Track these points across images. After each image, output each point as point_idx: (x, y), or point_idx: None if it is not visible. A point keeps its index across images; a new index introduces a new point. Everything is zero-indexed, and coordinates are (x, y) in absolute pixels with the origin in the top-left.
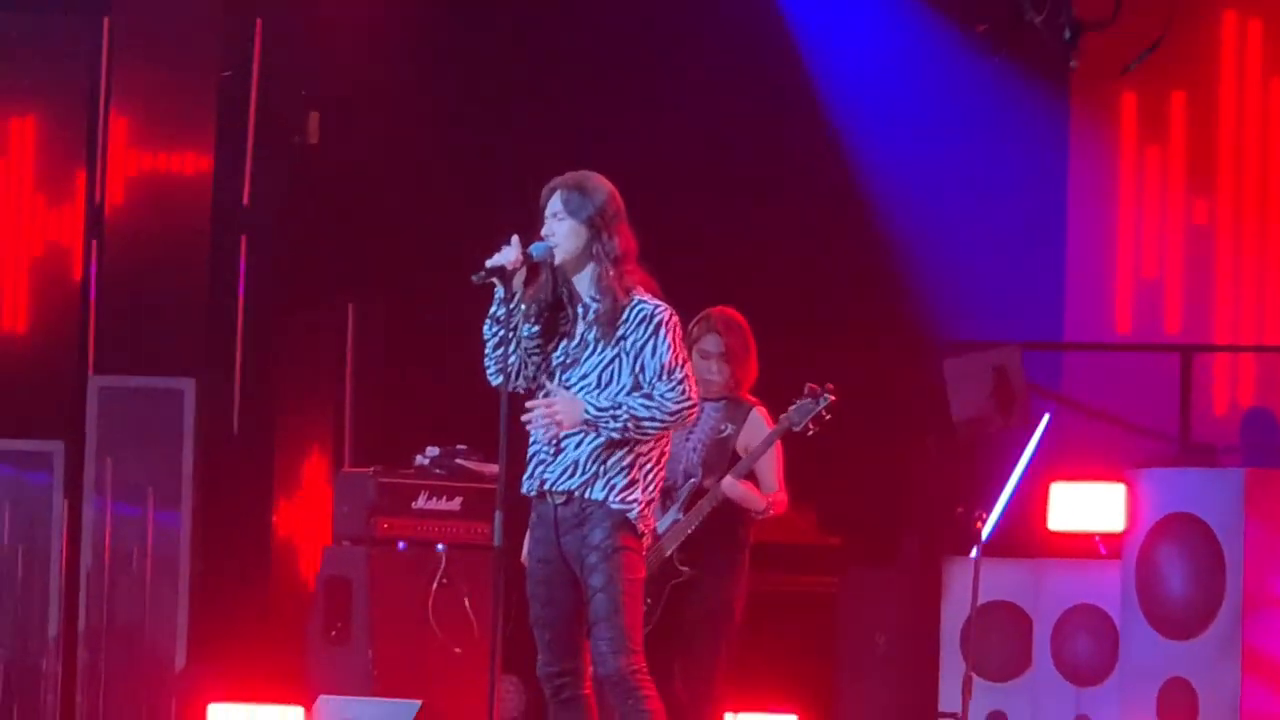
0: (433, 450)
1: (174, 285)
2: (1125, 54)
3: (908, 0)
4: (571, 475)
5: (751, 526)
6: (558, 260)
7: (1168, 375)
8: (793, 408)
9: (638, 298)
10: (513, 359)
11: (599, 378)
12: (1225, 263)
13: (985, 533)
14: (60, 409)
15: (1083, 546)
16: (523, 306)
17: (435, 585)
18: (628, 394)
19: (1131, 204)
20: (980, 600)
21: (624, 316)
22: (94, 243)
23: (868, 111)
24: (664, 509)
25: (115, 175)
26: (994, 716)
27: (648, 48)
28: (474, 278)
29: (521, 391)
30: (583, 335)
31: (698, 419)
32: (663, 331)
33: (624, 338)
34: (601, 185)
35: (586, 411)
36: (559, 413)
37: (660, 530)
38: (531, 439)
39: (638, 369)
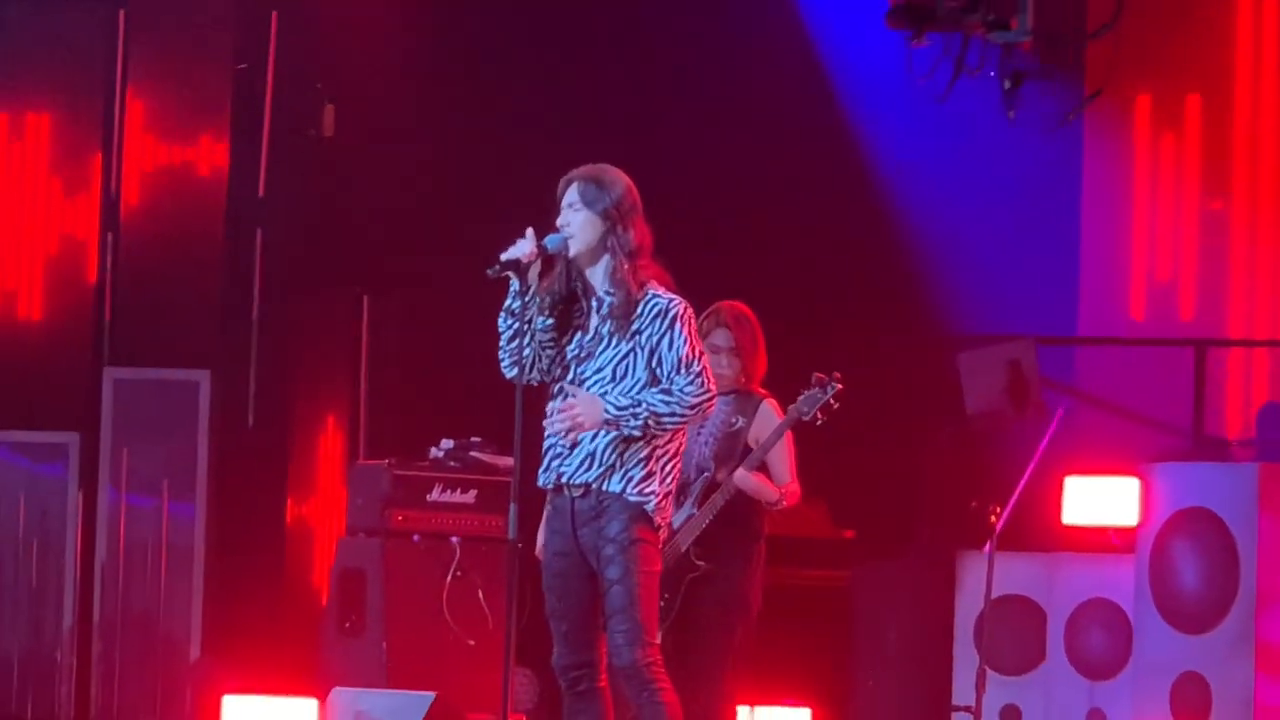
0: (447, 443)
1: (189, 277)
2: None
3: None
4: (589, 468)
5: (766, 519)
6: (573, 252)
7: (1182, 369)
8: (801, 398)
9: (652, 291)
10: (527, 352)
11: (614, 371)
12: (1239, 257)
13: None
14: (75, 401)
15: (1096, 540)
16: (537, 299)
17: (449, 577)
18: (644, 388)
19: (1145, 198)
20: (994, 594)
21: (638, 310)
22: (109, 235)
23: (883, 107)
24: (678, 505)
25: (131, 168)
26: (1007, 710)
27: (662, 44)
28: (489, 270)
29: (535, 384)
30: (596, 329)
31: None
32: (678, 325)
33: (639, 331)
34: (618, 178)
35: (606, 411)
36: (580, 414)
37: (675, 526)
38: (547, 432)
39: (654, 363)
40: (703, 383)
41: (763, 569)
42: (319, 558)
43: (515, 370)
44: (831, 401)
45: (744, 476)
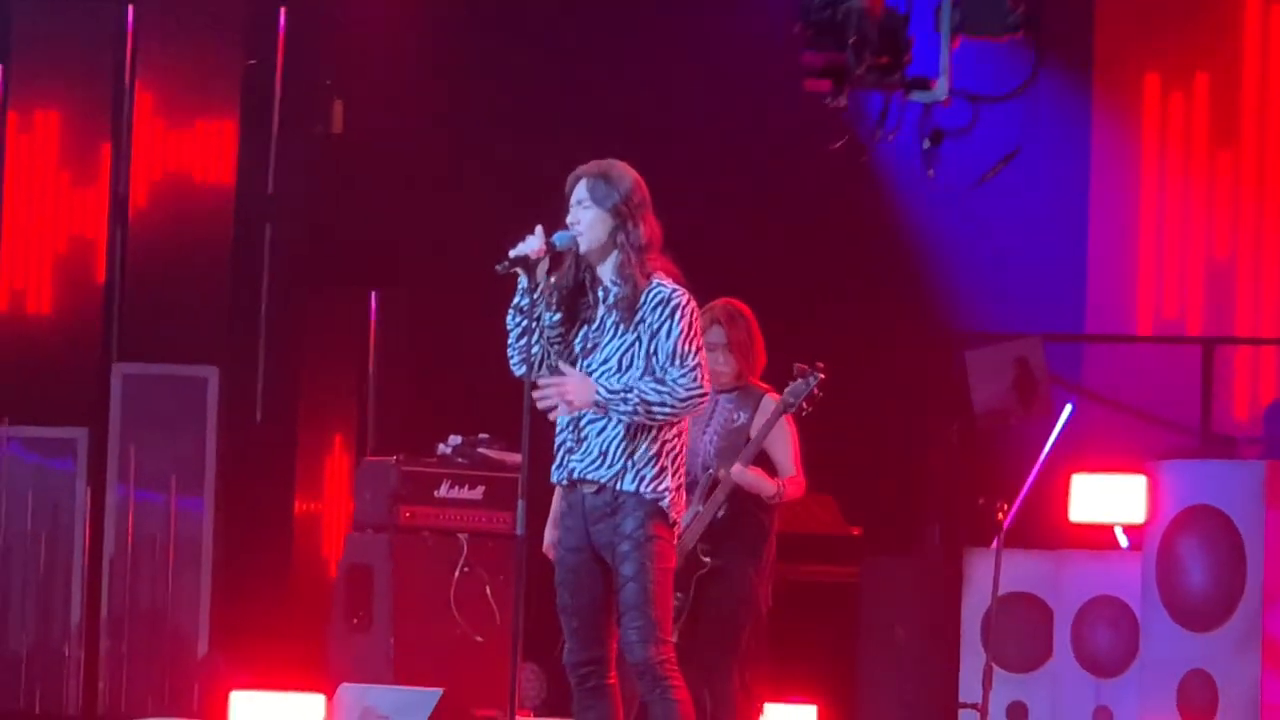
0: (455, 439)
1: (198, 274)
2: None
3: None
4: (600, 466)
5: (774, 516)
6: (583, 249)
7: (1189, 367)
8: (787, 389)
9: (657, 281)
10: (535, 349)
11: (619, 362)
12: (1247, 255)
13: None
14: (84, 396)
15: (1103, 538)
16: (545, 295)
17: (457, 573)
18: (641, 376)
19: (1153, 197)
20: (1001, 591)
21: (642, 300)
22: (118, 232)
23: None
24: (685, 503)
25: (139, 165)
26: (1014, 707)
27: (669, 41)
28: (498, 267)
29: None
30: (603, 319)
31: (712, 410)
32: (678, 315)
33: (642, 320)
34: (627, 173)
35: (597, 393)
36: (569, 392)
37: (685, 527)
38: (557, 428)
39: (651, 350)
40: (696, 377)
41: (772, 566)
42: (327, 553)
43: (525, 368)
44: (816, 391)
45: (740, 471)
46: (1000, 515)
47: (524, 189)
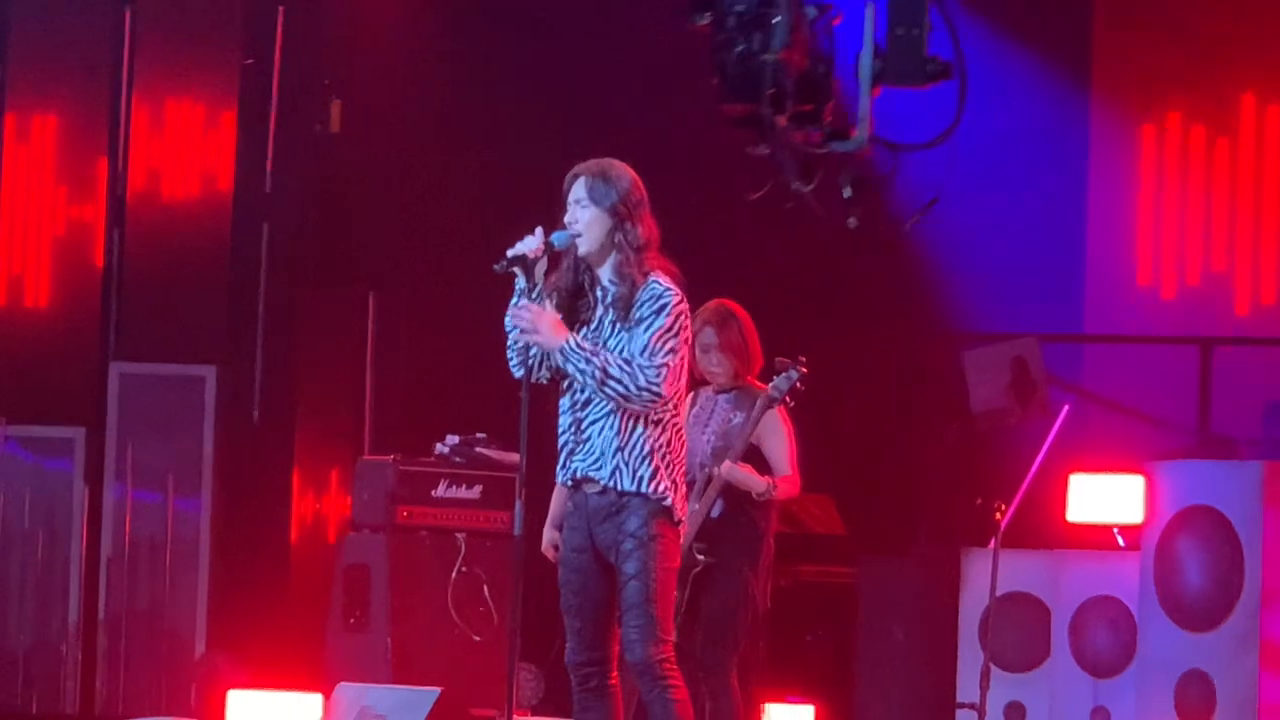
0: (452, 438)
1: (195, 273)
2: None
3: None
4: (599, 465)
5: (770, 514)
6: (582, 250)
7: (1187, 367)
8: (771, 384)
9: (653, 279)
10: (534, 350)
11: None
12: (1245, 256)
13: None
14: (82, 396)
15: (1101, 538)
16: (544, 296)
17: (454, 573)
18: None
19: (1152, 196)
20: (999, 591)
21: (637, 298)
22: (116, 230)
23: (887, 101)
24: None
25: (137, 163)
26: (1012, 707)
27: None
28: (495, 267)
29: (545, 382)
30: (601, 319)
31: (711, 411)
32: (664, 313)
33: (636, 318)
34: (625, 173)
35: (567, 341)
36: (542, 327)
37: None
38: (560, 429)
39: (632, 338)
40: (660, 374)
41: (769, 565)
42: (324, 553)
43: (523, 370)
44: (799, 384)
45: (730, 468)
46: (998, 515)
47: (522, 189)
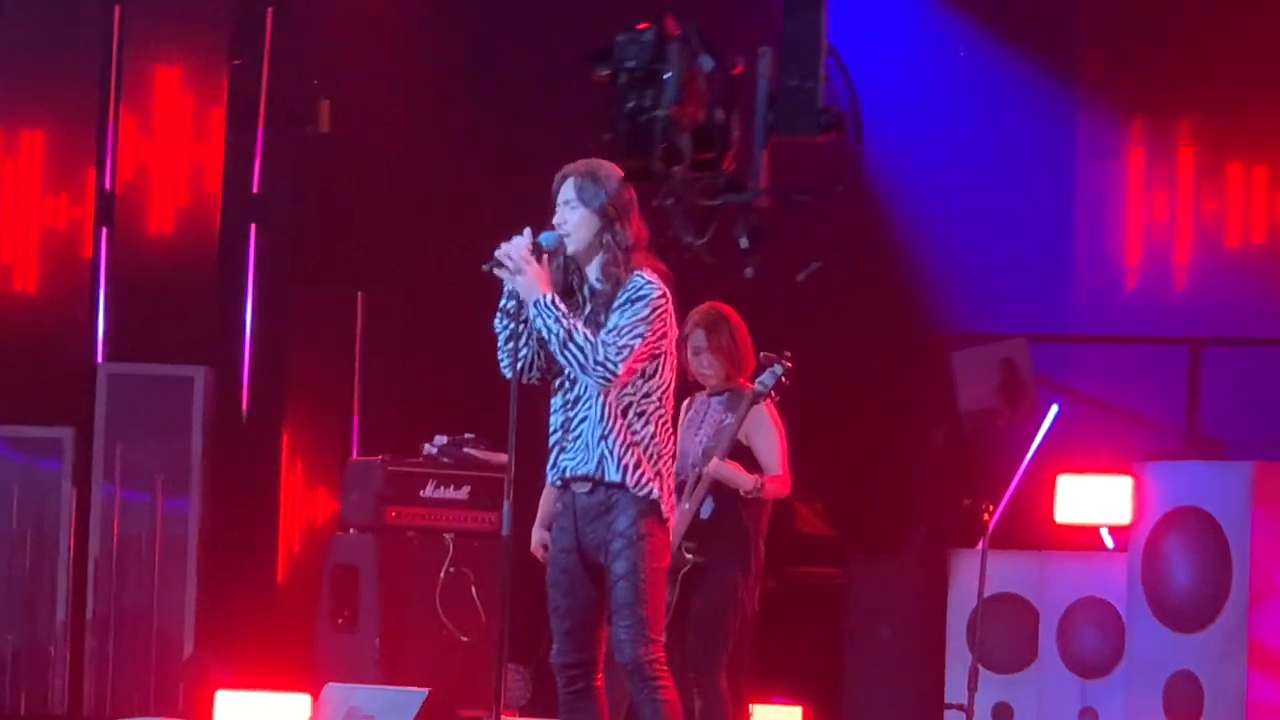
0: (441, 439)
1: (184, 273)
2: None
3: None
4: (585, 458)
5: (760, 514)
6: (571, 250)
7: (1176, 368)
8: (757, 381)
9: (638, 275)
10: (524, 352)
11: None
12: (1233, 256)
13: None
14: (70, 396)
15: (1089, 539)
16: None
17: (443, 573)
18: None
19: (1140, 195)
20: (987, 592)
21: (620, 294)
22: (104, 230)
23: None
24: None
25: (126, 163)
26: (1000, 708)
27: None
28: (484, 267)
29: (535, 383)
30: (588, 318)
31: (704, 414)
32: (641, 304)
33: (615, 306)
34: (614, 173)
35: (544, 295)
36: (524, 267)
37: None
38: (550, 429)
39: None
40: (621, 355)
41: (759, 566)
42: (313, 553)
43: (513, 370)
44: (784, 379)
45: (717, 466)
46: (986, 516)
47: (512, 189)
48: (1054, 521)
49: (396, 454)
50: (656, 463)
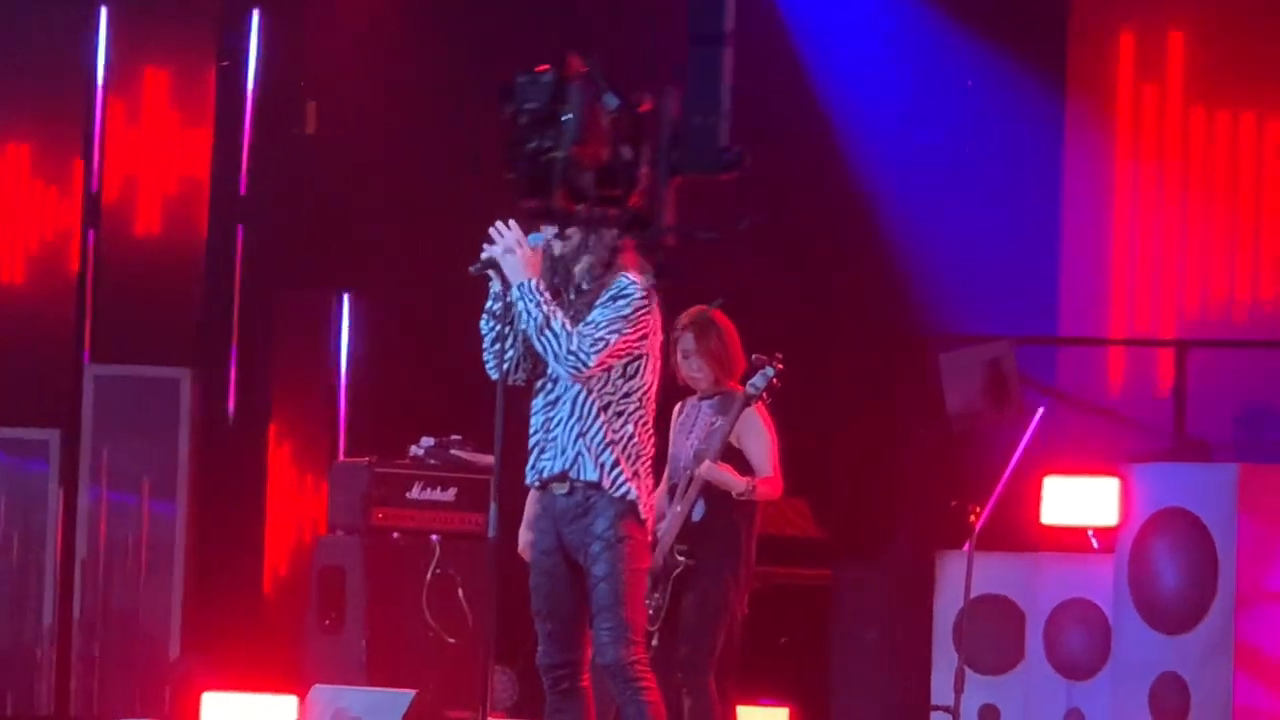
0: (427, 440)
1: (170, 275)
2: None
3: None
4: (563, 457)
5: (751, 517)
6: (556, 251)
7: (1162, 370)
8: (749, 383)
9: (622, 275)
10: (510, 353)
11: None
12: (1220, 258)
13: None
14: (56, 397)
15: (1076, 540)
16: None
17: (429, 575)
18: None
19: (1127, 198)
20: (973, 593)
21: (603, 293)
22: (91, 232)
23: (862, 106)
24: (666, 506)
25: (112, 164)
26: (986, 710)
27: (643, 40)
28: (471, 269)
29: (521, 384)
30: (573, 318)
31: (695, 417)
32: (623, 302)
33: (597, 303)
34: None
35: (530, 280)
36: (514, 248)
37: (664, 529)
38: (531, 429)
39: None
40: (595, 348)
41: (749, 569)
42: (299, 555)
43: (499, 372)
44: (775, 381)
45: (709, 468)
46: (972, 518)
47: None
48: (1040, 523)
49: (383, 456)
50: (635, 463)
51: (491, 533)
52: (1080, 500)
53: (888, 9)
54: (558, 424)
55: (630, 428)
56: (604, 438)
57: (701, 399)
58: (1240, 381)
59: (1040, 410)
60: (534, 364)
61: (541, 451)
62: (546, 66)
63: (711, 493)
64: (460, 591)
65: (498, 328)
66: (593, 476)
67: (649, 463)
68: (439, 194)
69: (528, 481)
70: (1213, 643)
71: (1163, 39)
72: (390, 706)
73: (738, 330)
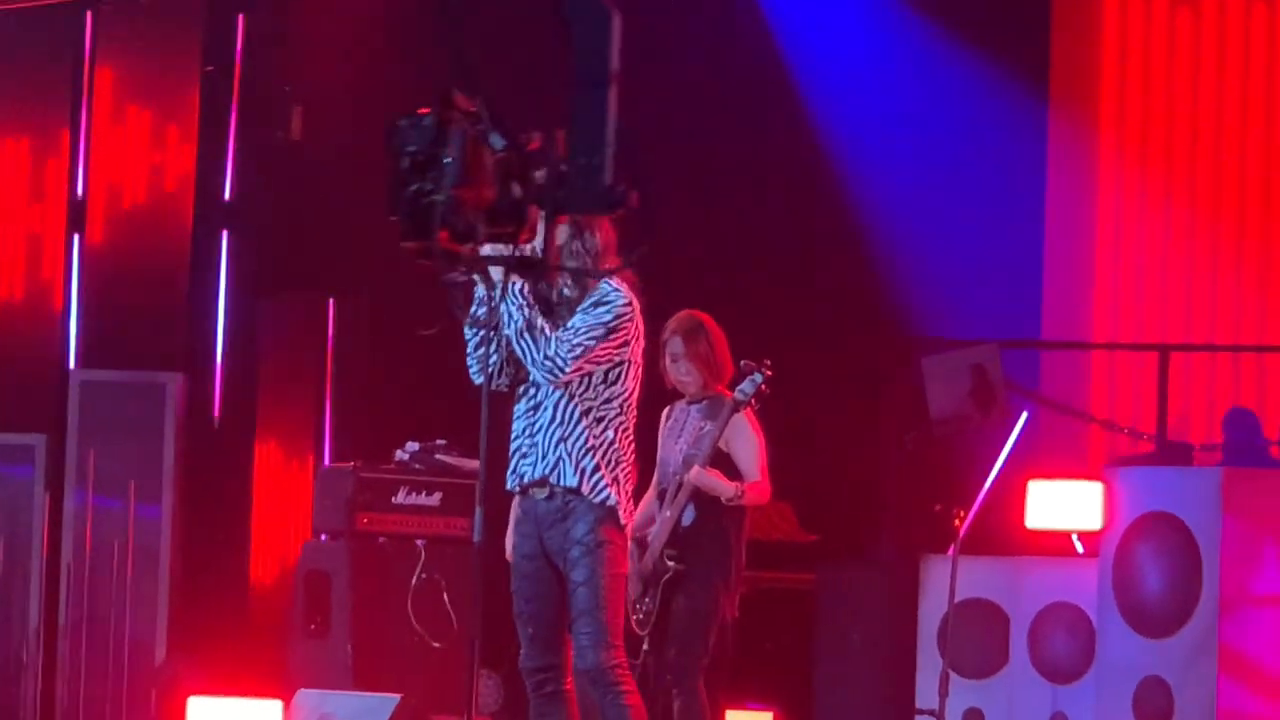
0: (413, 445)
1: (156, 280)
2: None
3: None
4: (544, 462)
5: (740, 522)
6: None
7: (1146, 374)
8: (737, 389)
9: (605, 282)
10: (494, 358)
11: None
12: (1203, 262)
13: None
14: (43, 402)
15: (1060, 544)
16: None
17: (414, 580)
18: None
19: (1110, 203)
20: (957, 597)
21: (585, 300)
22: (75, 237)
23: (848, 111)
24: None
25: (97, 170)
26: (971, 713)
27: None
28: (451, 276)
29: (505, 389)
30: (556, 324)
31: (684, 422)
32: (604, 309)
33: (579, 309)
34: None
35: (515, 284)
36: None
37: (654, 533)
38: (513, 434)
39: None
40: (572, 353)
41: (739, 573)
42: (285, 560)
43: (483, 376)
44: (763, 387)
45: (698, 473)
46: (957, 522)
47: None
48: (1024, 527)
49: (368, 460)
50: (615, 469)
51: (477, 537)
52: (1064, 504)
53: (874, 14)
54: (540, 429)
55: (611, 434)
56: (585, 443)
57: (690, 403)
58: (1223, 385)
59: (1024, 414)
60: (517, 370)
61: (523, 456)
62: (427, 110)
63: (701, 498)
64: (445, 596)
65: (481, 333)
66: (572, 482)
67: (629, 468)
68: None
69: (508, 486)
70: (1197, 646)
71: (1146, 45)
72: (375, 711)
73: (726, 335)
